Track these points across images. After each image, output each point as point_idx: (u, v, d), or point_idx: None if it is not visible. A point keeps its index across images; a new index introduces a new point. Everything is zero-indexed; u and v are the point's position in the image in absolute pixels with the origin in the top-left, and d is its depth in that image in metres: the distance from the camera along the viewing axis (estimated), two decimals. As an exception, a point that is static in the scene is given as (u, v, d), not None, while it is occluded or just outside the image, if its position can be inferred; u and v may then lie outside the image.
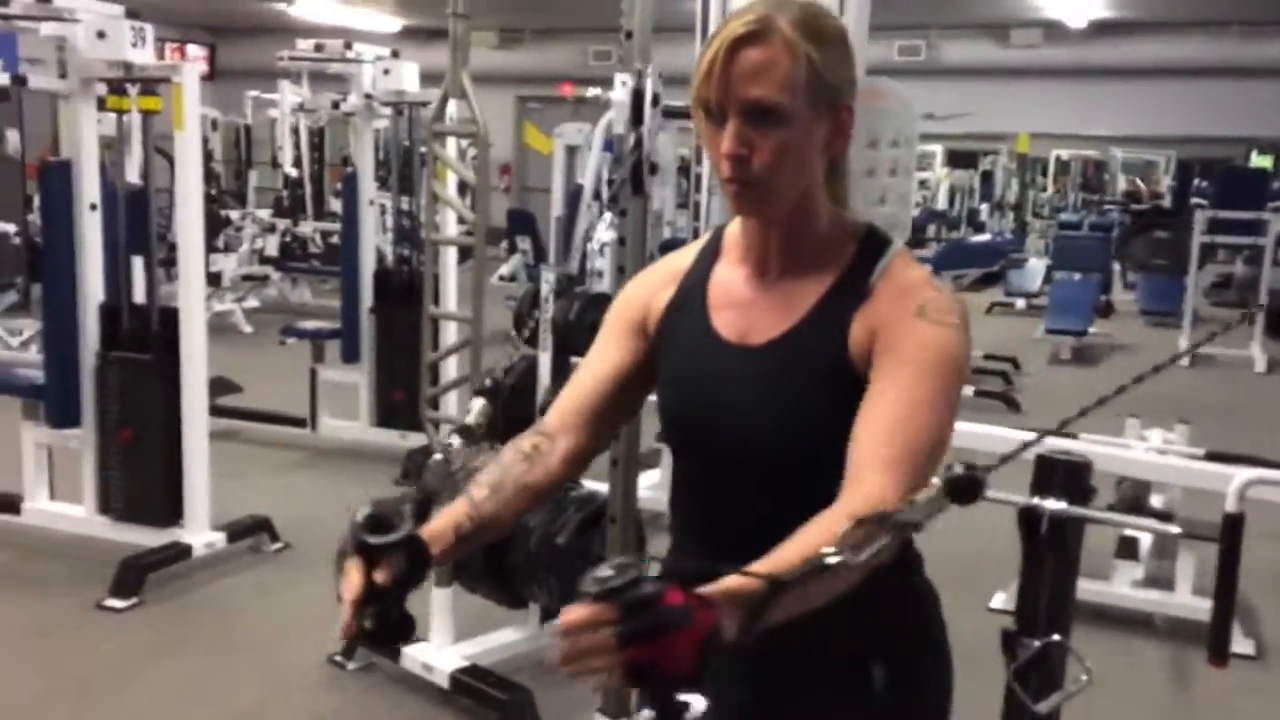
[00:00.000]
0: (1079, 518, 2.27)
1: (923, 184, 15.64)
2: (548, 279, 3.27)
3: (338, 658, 3.51)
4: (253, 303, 9.99)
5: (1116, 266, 12.91)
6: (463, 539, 1.32)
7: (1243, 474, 2.43)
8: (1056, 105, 15.83)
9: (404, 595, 1.19)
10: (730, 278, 1.43)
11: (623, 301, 1.51)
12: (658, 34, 2.52)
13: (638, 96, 2.08)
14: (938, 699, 1.50)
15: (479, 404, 1.62)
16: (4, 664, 3.51)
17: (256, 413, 6.18)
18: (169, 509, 4.17)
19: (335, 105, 6.55)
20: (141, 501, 4.20)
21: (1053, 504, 2.23)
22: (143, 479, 4.19)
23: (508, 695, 3.13)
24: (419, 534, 1.24)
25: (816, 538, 1.10)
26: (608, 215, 5.14)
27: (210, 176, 12.23)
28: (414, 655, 3.34)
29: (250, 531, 4.43)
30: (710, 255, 1.47)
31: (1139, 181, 17.46)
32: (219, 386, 6.19)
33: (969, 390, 7.92)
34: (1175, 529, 2.42)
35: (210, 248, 9.59)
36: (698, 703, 1.04)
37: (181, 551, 4.12)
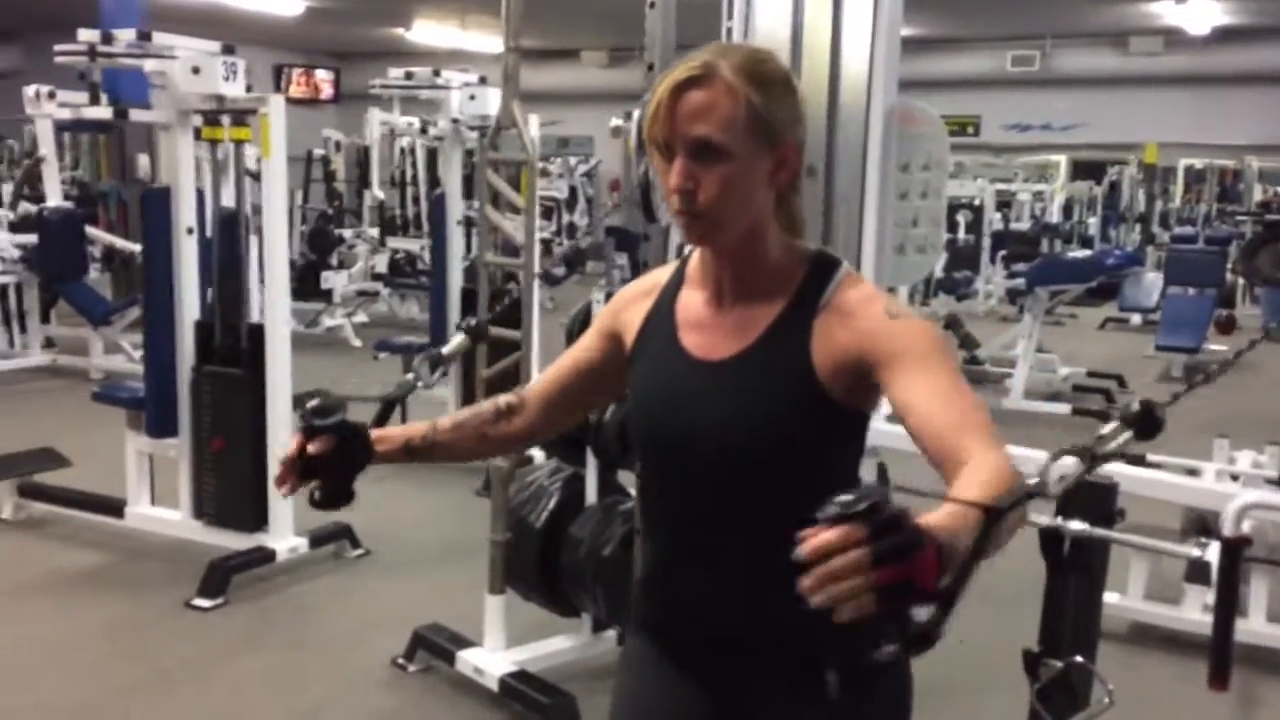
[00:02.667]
0: (1101, 539, 2.28)
1: (1038, 195, 15.31)
2: (598, 298, 3.38)
3: (400, 660, 3.69)
4: (362, 318, 10.35)
5: (1241, 281, 12.43)
6: (411, 451, 1.62)
7: (1242, 496, 2.38)
8: (1180, 114, 15.35)
9: (345, 473, 1.52)
10: (692, 301, 1.53)
11: (607, 307, 1.66)
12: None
13: (640, 128, 2.19)
14: (893, 705, 1.55)
15: (459, 339, 1.82)
16: (98, 657, 3.77)
17: (352, 424, 6.43)
18: (256, 515, 4.41)
19: (424, 129, 6.80)
20: (231, 507, 4.46)
21: (1075, 525, 2.25)
22: (232, 486, 4.44)
23: (551, 700, 3.24)
24: (364, 427, 1.56)
25: (993, 477, 1.14)
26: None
27: (333, 195, 12.77)
28: (468, 659, 3.49)
29: (332, 538, 4.64)
30: (676, 282, 1.57)
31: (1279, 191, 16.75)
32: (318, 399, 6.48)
33: (1066, 408, 7.78)
34: (1195, 551, 2.39)
35: (323, 264, 10.01)
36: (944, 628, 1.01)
37: (266, 555, 4.35)
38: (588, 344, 1.64)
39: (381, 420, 1.60)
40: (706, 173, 1.38)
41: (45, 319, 8.73)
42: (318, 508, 1.55)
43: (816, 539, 0.96)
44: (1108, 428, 1.14)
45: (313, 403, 1.51)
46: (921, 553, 0.97)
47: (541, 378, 1.68)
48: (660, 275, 1.60)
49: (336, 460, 1.49)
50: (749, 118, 1.37)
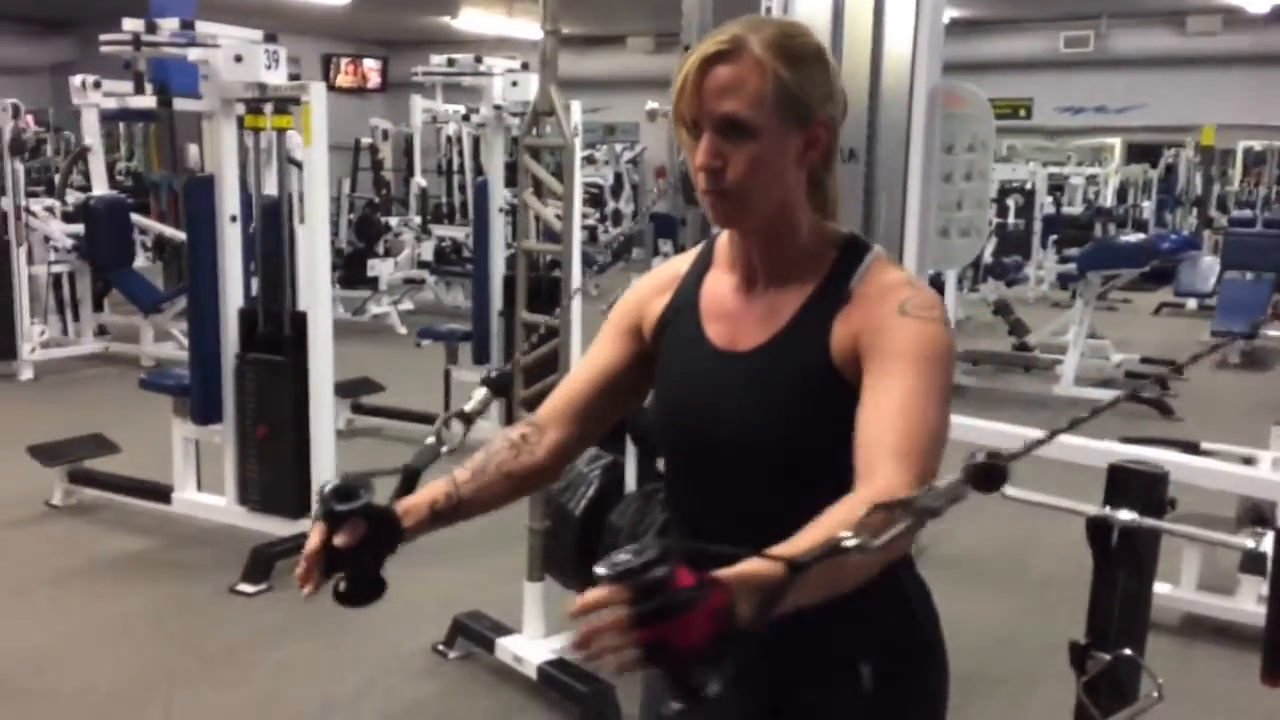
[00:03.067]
0: (1151, 529, 2.22)
1: (1092, 179, 15.04)
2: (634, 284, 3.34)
3: (440, 647, 3.69)
4: (408, 305, 10.39)
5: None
6: (438, 515, 1.43)
7: (1297, 487, 2.31)
8: (1239, 94, 15.00)
9: (373, 560, 1.34)
10: (720, 286, 1.49)
11: (622, 303, 1.59)
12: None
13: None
14: (928, 695, 1.52)
15: (481, 393, 1.72)
16: (141, 642, 3.81)
17: (396, 411, 6.46)
18: (298, 500, 4.43)
19: (467, 116, 6.79)
20: (274, 493, 4.48)
21: (1124, 515, 2.18)
22: (275, 472, 4.47)
23: (589, 688, 3.22)
24: (389, 506, 1.38)
25: (834, 523, 1.11)
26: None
27: (380, 184, 12.84)
28: (507, 646, 3.49)
29: (375, 525, 4.64)
30: (703, 264, 1.53)
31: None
32: (363, 386, 6.52)
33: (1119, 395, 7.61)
34: (1249, 542, 2.32)
35: (370, 252, 10.07)
36: (713, 686, 1.01)
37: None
38: (609, 343, 1.57)
39: (405, 492, 1.44)
40: (734, 150, 1.33)
41: (98, 307, 8.86)
42: (345, 604, 1.34)
43: (584, 598, 0.98)
44: (943, 479, 1.07)
45: (332, 484, 1.31)
46: (686, 615, 0.97)
47: (559, 393, 1.58)
48: (679, 265, 1.56)
49: (365, 549, 1.32)
50: (778, 94, 1.32)
